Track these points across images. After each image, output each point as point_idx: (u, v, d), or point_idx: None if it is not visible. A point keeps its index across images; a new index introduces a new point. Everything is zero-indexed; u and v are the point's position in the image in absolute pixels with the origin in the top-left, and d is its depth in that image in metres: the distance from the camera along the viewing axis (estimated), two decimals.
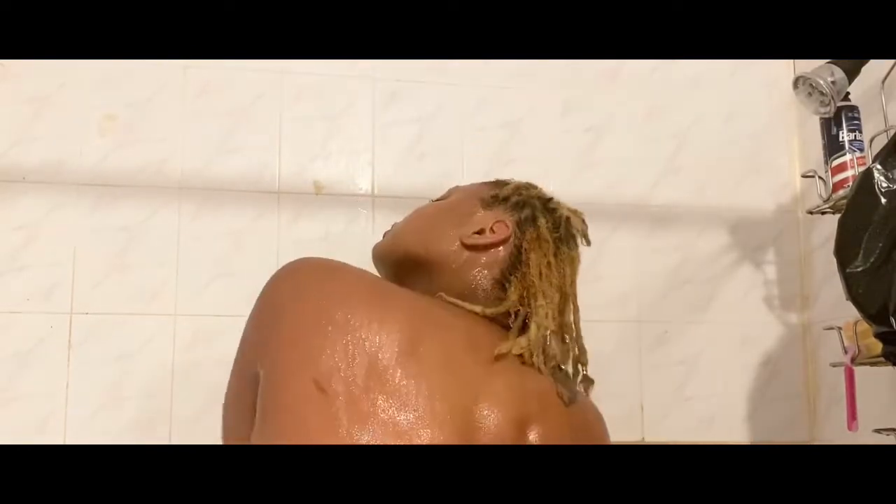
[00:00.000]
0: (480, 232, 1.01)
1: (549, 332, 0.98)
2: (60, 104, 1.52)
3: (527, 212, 1.03)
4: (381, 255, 1.07)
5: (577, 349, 1.02)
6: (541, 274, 0.99)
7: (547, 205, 1.05)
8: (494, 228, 1.01)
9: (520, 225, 1.01)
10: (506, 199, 1.04)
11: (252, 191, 1.56)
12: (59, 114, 1.52)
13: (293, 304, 0.89)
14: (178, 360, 1.49)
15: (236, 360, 0.94)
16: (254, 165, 1.58)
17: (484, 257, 1.00)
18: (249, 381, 0.90)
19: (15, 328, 1.45)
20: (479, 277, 1.00)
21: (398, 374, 0.85)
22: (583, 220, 1.08)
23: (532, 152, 1.68)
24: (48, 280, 1.47)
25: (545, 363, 0.96)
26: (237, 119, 1.58)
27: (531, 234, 1.01)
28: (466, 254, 1.00)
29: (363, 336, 0.86)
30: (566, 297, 1.01)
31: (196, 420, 1.47)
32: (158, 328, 1.49)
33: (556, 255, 1.01)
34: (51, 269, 1.48)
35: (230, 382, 0.95)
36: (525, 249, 1.00)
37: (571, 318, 1.02)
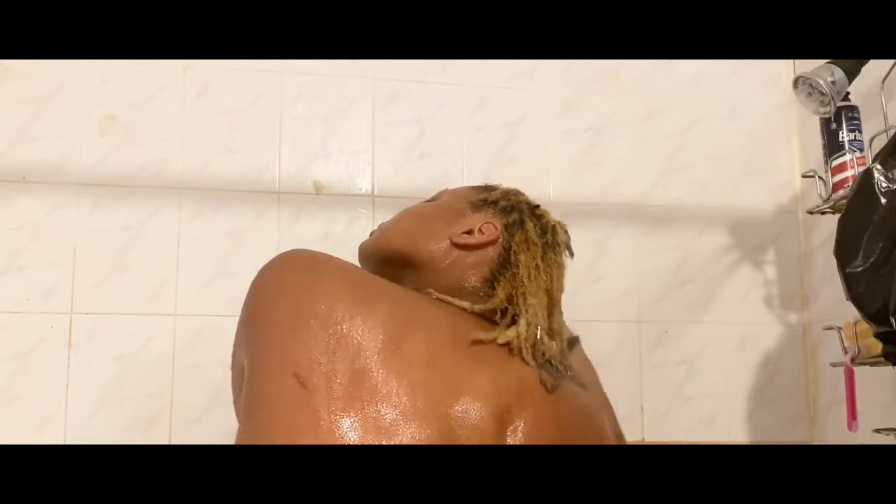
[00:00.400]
0: (469, 232, 1.02)
1: (539, 328, 0.98)
2: (60, 104, 1.52)
3: (514, 216, 1.04)
4: (369, 253, 1.07)
5: (560, 352, 1.02)
6: (530, 275, 1.00)
7: (534, 211, 1.07)
8: (483, 229, 1.02)
9: (508, 227, 1.03)
10: (494, 202, 1.06)
11: (252, 191, 1.57)
12: (59, 114, 1.52)
13: (277, 296, 0.89)
14: (178, 360, 1.49)
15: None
16: (254, 165, 1.58)
17: (472, 257, 1.01)
18: (239, 371, 0.91)
19: (15, 328, 1.45)
20: (467, 275, 1.00)
21: (380, 371, 0.85)
22: (566, 231, 1.09)
23: (532, 152, 1.68)
24: (48, 280, 1.47)
25: (534, 356, 0.96)
26: (237, 119, 1.58)
27: (519, 237, 1.02)
28: (455, 253, 1.01)
29: (346, 331, 0.86)
30: (552, 300, 1.02)
31: (196, 420, 1.47)
32: (158, 328, 1.49)
33: (543, 259, 1.02)
34: (51, 269, 1.48)
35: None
36: (514, 251, 1.01)
37: (557, 321, 1.03)
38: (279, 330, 0.87)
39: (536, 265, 1.01)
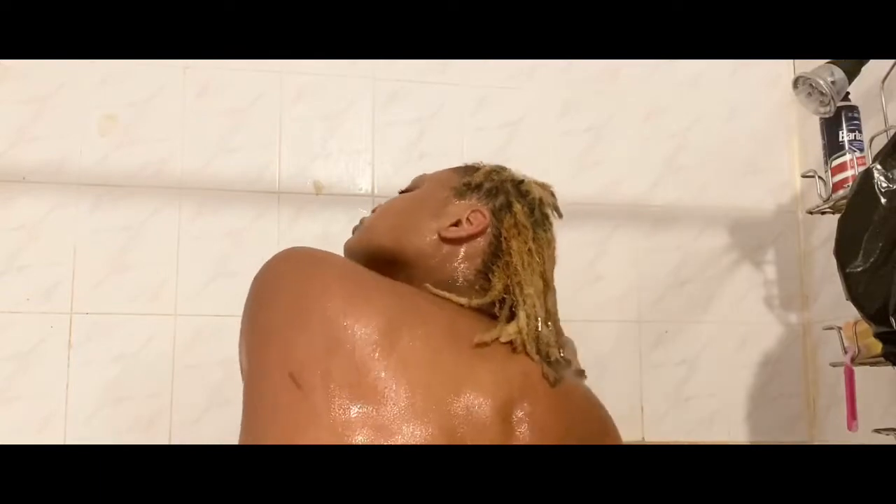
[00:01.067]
0: (457, 224, 0.99)
1: (539, 319, 0.97)
2: (60, 104, 1.52)
3: (501, 199, 1.01)
4: (354, 252, 1.05)
5: (556, 335, 1.01)
6: (523, 262, 0.98)
7: (519, 188, 1.04)
8: (471, 219, 0.99)
9: (495, 213, 1.00)
10: (478, 186, 1.03)
11: (252, 191, 1.57)
12: (59, 114, 1.52)
13: (274, 294, 0.88)
14: (178, 360, 1.49)
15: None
16: (254, 165, 1.58)
17: (463, 249, 0.99)
18: (243, 369, 0.90)
19: (15, 328, 1.45)
20: (460, 270, 0.98)
21: (377, 368, 0.84)
22: (552, 193, 1.06)
23: (532, 152, 1.68)
24: (48, 280, 1.47)
25: (538, 351, 0.95)
26: (237, 119, 1.58)
27: (509, 222, 0.99)
28: (445, 247, 0.99)
29: (342, 329, 0.84)
30: (547, 283, 1.00)
31: (196, 420, 1.47)
32: (158, 328, 1.49)
33: (534, 240, 1.00)
34: (51, 269, 1.48)
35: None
36: (505, 238, 0.99)
37: (551, 301, 1.01)
38: (275, 329, 0.86)
39: (529, 249, 0.99)
